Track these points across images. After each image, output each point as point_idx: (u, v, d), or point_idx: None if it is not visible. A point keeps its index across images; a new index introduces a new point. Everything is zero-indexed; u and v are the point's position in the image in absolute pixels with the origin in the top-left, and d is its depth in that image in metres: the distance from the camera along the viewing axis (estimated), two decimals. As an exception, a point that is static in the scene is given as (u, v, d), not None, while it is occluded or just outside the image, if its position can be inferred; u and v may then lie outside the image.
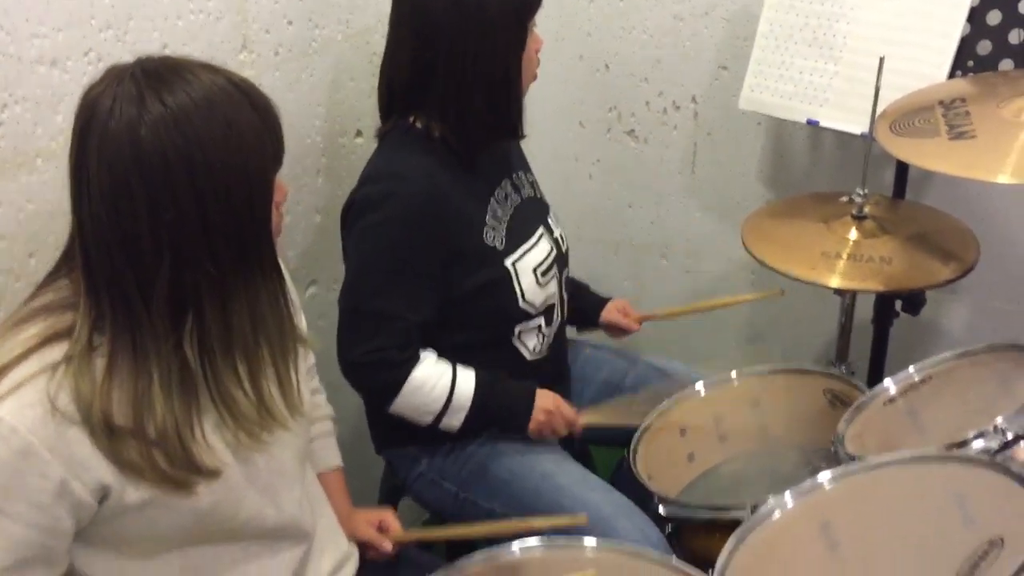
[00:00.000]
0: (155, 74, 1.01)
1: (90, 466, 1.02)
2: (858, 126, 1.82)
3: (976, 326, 2.19)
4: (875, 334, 2.03)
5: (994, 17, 1.75)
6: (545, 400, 1.65)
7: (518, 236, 1.65)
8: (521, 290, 1.63)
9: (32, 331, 1.03)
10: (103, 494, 1.04)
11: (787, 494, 1.23)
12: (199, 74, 1.02)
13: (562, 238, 1.77)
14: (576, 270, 2.16)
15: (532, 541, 1.39)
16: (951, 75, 1.76)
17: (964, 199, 2.04)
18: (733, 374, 1.81)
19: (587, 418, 1.70)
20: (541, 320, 1.68)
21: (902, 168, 1.97)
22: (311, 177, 1.86)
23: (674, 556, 1.39)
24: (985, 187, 2.00)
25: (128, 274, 1.00)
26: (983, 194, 2.03)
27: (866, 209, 1.77)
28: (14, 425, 0.98)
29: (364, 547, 1.46)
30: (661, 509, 1.55)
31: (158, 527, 1.10)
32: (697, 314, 1.96)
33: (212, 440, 1.11)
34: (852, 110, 1.84)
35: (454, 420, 1.59)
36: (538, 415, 1.63)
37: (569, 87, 2.39)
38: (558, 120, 2.43)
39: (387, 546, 1.45)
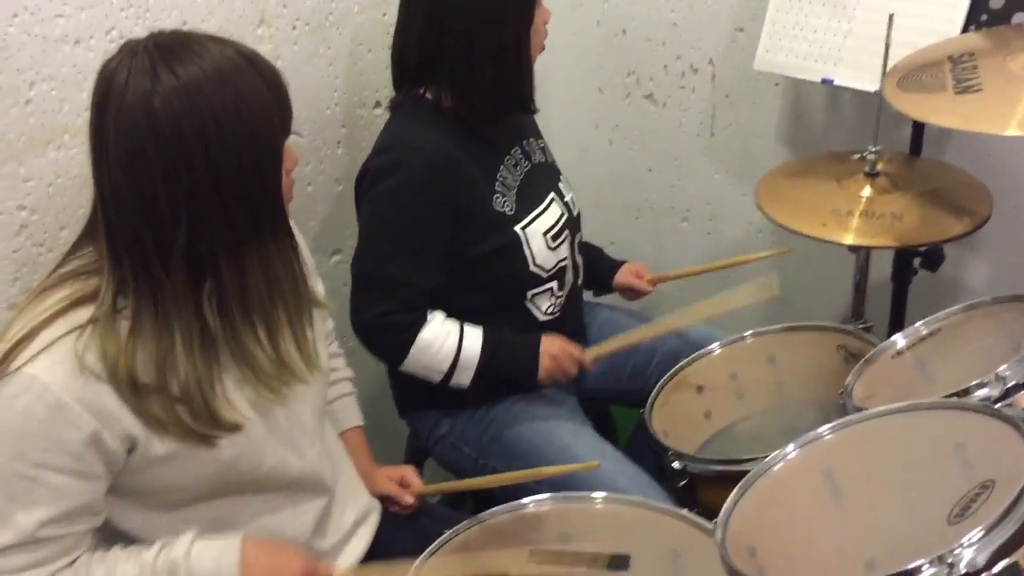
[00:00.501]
0: (167, 48, 1.06)
1: (118, 418, 1.08)
2: (871, 84, 1.82)
3: (996, 281, 2.19)
4: (894, 291, 2.04)
5: (1007, -30, 1.74)
6: (550, 345, 1.68)
7: (528, 202, 1.69)
8: (532, 254, 1.66)
9: (59, 295, 1.10)
10: (131, 445, 1.11)
11: (790, 445, 1.26)
12: (209, 46, 1.07)
13: (573, 202, 1.80)
14: (597, 235, 2.18)
15: (547, 496, 1.45)
16: (964, 30, 1.75)
17: (982, 155, 2.03)
18: (748, 332, 1.84)
19: (593, 351, 1.73)
20: (553, 284, 1.72)
21: (918, 125, 1.97)
22: (331, 148, 1.91)
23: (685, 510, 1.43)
24: (1003, 143, 1.99)
25: (148, 239, 1.06)
26: (1001, 150, 2.02)
27: (879, 166, 1.78)
28: (46, 382, 1.04)
29: (387, 502, 1.52)
30: (675, 463, 1.58)
31: (183, 479, 1.16)
32: (708, 274, 1.96)
33: (233, 396, 1.17)
34: (865, 68, 1.84)
35: (463, 378, 1.64)
36: (545, 361, 1.67)
37: (587, 54, 2.41)
38: (577, 87, 2.46)
39: (408, 499, 1.50)
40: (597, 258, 1.94)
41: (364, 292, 1.61)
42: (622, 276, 1.93)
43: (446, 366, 1.62)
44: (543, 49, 1.66)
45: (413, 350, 1.60)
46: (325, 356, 1.35)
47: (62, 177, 1.39)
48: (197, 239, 1.07)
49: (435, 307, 1.65)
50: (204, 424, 1.13)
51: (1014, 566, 0.94)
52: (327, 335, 1.55)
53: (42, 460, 1.06)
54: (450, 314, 1.66)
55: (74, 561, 1.12)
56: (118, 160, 1.04)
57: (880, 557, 1.03)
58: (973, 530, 0.95)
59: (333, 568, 1.28)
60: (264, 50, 1.66)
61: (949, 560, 0.94)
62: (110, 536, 1.19)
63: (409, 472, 1.54)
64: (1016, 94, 1.42)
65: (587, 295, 1.93)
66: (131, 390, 1.08)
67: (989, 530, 0.95)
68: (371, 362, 1.71)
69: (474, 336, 1.64)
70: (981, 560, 0.94)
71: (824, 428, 1.26)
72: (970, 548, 0.94)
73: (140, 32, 1.43)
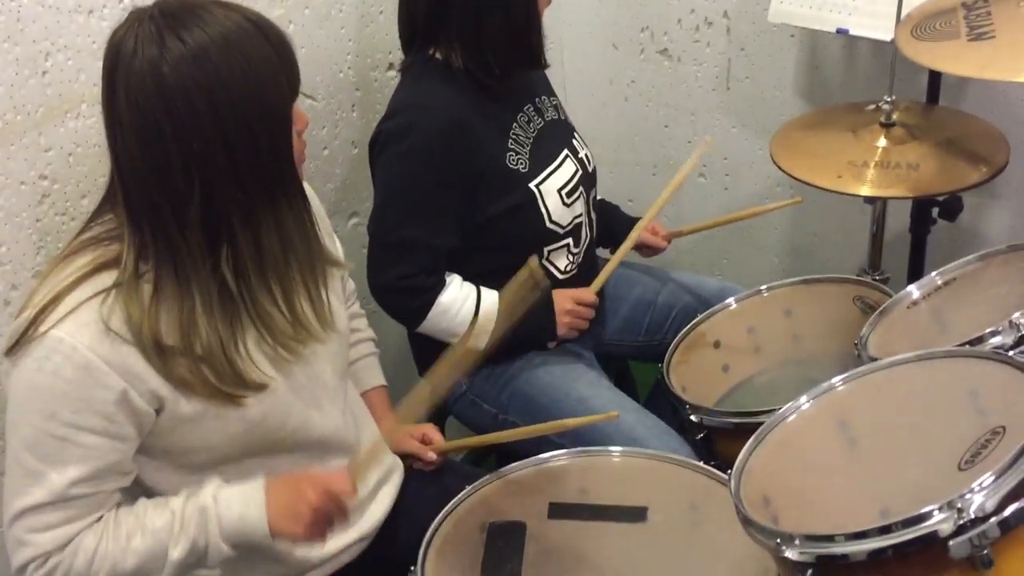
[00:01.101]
0: (173, 14, 1.07)
1: (145, 378, 1.11)
2: (887, 33, 1.80)
3: (1018, 230, 2.17)
4: (912, 242, 2.04)
5: (1025, -88, 1.71)
6: (563, 301, 1.71)
7: (542, 159, 1.69)
8: (547, 211, 1.67)
9: (82, 261, 1.12)
10: (159, 404, 1.14)
11: (803, 396, 1.27)
12: (215, 12, 1.08)
13: (588, 158, 1.80)
14: (614, 192, 2.18)
15: (565, 451, 1.48)
16: (981, -25, 1.73)
17: (1000, 103, 2.02)
18: (764, 286, 1.84)
19: (597, 284, 1.75)
20: (569, 240, 1.73)
21: (935, 74, 1.95)
22: (346, 112, 1.92)
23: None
24: (1021, 90, 1.97)
25: (164, 204, 1.08)
26: (1019, 98, 2.00)
27: (894, 116, 1.77)
28: (74, 344, 1.07)
29: (409, 459, 1.54)
30: (692, 417, 1.60)
31: (212, 438, 1.19)
32: (722, 227, 1.97)
33: (255, 356, 1.19)
34: (881, 17, 1.82)
35: (479, 342, 1.65)
36: (562, 318, 1.70)
37: (601, 10, 2.39)
38: (591, 44, 2.44)
39: (431, 455, 1.53)
40: (612, 215, 1.95)
41: (381, 254, 1.63)
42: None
43: (463, 329, 1.64)
44: (550, 2, 1.65)
45: (431, 313, 1.62)
46: (344, 316, 1.37)
47: (81, 146, 1.41)
48: (211, 203, 1.09)
49: (452, 269, 1.66)
50: (230, 384, 1.16)
51: (1023, 510, 0.95)
52: (348, 296, 1.57)
53: (73, 420, 1.09)
54: (469, 275, 1.68)
55: (101, 517, 1.16)
56: (131, 127, 1.06)
57: (893, 504, 1.05)
58: (983, 475, 0.96)
59: (344, 472, 1.26)
60: (276, 15, 1.68)
61: (959, 505, 0.95)
62: (141, 496, 1.22)
63: (430, 429, 1.57)
64: (1031, 40, 1.41)
65: (603, 252, 1.93)
66: (156, 352, 1.10)
67: (999, 475, 0.96)
68: (392, 323, 1.73)
69: (491, 299, 1.66)
70: (991, 505, 0.95)
71: (837, 379, 1.27)
72: (980, 493, 0.95)
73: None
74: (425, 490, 1.50)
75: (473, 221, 1.64)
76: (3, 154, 1.31)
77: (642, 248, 1.95)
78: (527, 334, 1.68)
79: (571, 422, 1.47)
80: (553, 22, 2.32)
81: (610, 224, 1.91)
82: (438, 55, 1.63)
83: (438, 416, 1.89)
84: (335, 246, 1.43)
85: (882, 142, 1.75)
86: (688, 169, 1.82)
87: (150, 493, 1.22)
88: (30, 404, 1.09)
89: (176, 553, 1.16)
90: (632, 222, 1.94)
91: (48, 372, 1.08)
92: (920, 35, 1.51)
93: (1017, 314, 1.27)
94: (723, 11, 2.27)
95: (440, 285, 1.63)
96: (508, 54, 1.61)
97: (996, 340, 1.27)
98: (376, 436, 1.43)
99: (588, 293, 1.74)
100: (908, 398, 1.23)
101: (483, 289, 1.67)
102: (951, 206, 1.93)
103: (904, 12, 1.63)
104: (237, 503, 1.18)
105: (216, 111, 1.06)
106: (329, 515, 1.22)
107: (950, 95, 2.01)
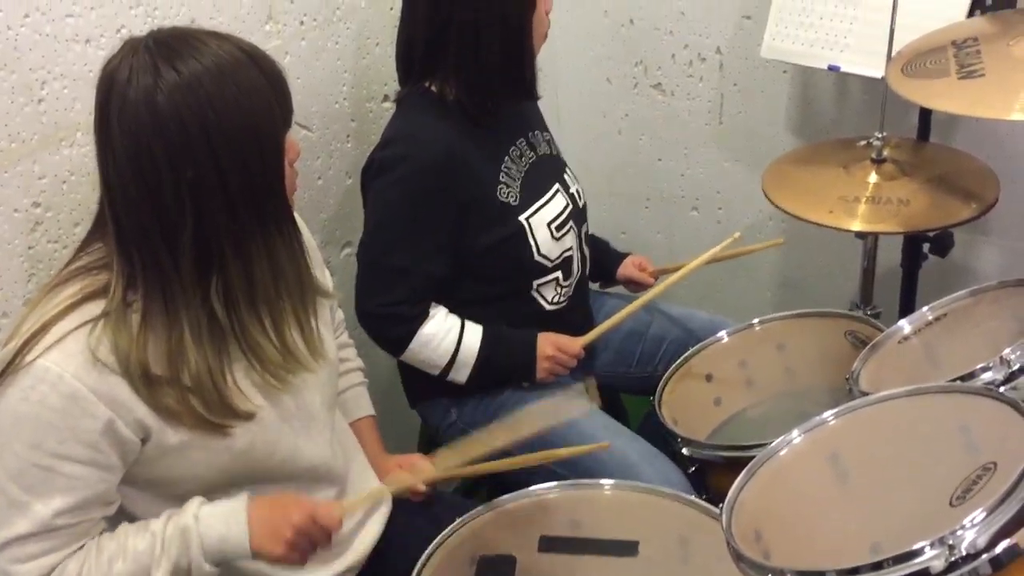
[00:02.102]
0: (167, 44, 1.08)
1: (132, 407, 1.11)
2: (878, 70, 1.81)
3: (1008, 267, 2.18)
4: (904, 277, 2.04)
5: (1013, -46, 1.74)
6: (545, 346, 1.71)
7: (533, 192, 1.70)
8: (536, 244, 1.68)
9: (71, 290, 1.12)
10: (145, 434, 1.13)
11: (795, 430, 1.27)
12: (208, 42, 1.09)
13: (579, 193, 1.82)
14: (607, 225, 2.20)
15: (556, 483, 1.47)
16: (970, 14, 1.75)
17: (990, 141, 2.03)
18: (756, 320, 1.85)
19: (586, 339, 1.75)
20: (559, 273, 1.73)
21: (926, 111, 1.96)
22: (341, 142, 1.93)
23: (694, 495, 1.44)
24: (1010, 128, 1.99)
25: (155, 233, 1.08)
26: (1009, 135, 2.02)
27: (885, 152, 1.78)
28: (60, 372, 1.07)
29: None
30: (684, 450, 1.60)
31: (198, 468, 1.19)
32: (707, 266, 1.96)
33: (243, 385, 1.19)
34: (872, 54, 1.84)
35: (459, 375, 1.68)
36: (542, 363, 1.70)
37: (595, 44, 2.42)
38: (585, 77, 2.46)
39: (420, 486, 1.52)
40: (602, 250, 1.97)
41: (370, 280, 1.65)
42: (625, 269, 1.97)
43: (444, 361, 1.66)
44: (546, 38, 1.68)
45: (413, 343, 1.64)
46: (333, 346, 1.37)
47: (75, 174, 1.41)
48: (202, 231, 1.09)
49: (441, 297, 1.67)
50: (218, 414, 1.15)
51: (1014, 547, 0.95)
52: (337, 325, 1.57)
53: (58, 450, 1.08)
54: (456, 304, 1.68)
55: (84, 545, 1.15)
56: (124, 156, 1.06)
57: (884, 539, 1.04)
58: (974, 511, 0.96)
59: (335, 505, 1.28)
60: (272, 46, 1.70)
61: (950, 542, 0.95)
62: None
63: (419, 459, 1.56)
64: (1019, 79, 1.42)
65: (592, 286, 1.94)
66: (144, 382, 1.10)
67: (990, 512, 0.96)
68: (383, 353, 1.73)
69: (473, 333, 1.67)
70: (982, 542, 0.95)
71: (829, 413, 1.28)
72: (972, 530, 0.95)
73: (150, 30, 1.46)
74: (415, 521, 1.49)
75: (461, 251, 1.65)
76: (-4, 181, 1.31)
77: (630, 283, 1.97)
78: (504, 371, 1.69)
79: (562, 452, 1.46)
80: (548, 55, 2.35)
81: (599, 258, 1.93)
82: (433, 88, 1.65)
83: (428, 446, 1.88)
84: (325, 277, 1.43)
85: (873, 178, 1.76)
86: (708, 258, 1.82)
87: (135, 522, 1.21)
88: (15, 434, 1.08)
89: (159, 575, 1.15)
90: (621, 257, 1.95)
91: (34, 401, 1.07)
92: (911, 72, 1.53)
93: (1008, 350, 1.27)
94: (716, 47, 2.29)
95: (424, 316, 1.64)
96: (502, 86, 1.63)
97: (987, 376, 1.27)
98: (376, 483, 1.44)
99: (574, 343, 1.73)
100: (900, 433, 1.23)
101: (468, 323, 1.68)
102: (942, 242, 1.94)
103: (895, 50, 1.64)
104: (219, 523, 1.17)
105: (209, 139, 1.06)
106: (312, 539, 1.22)
107: (940, 132, 2.03)
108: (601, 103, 2.49)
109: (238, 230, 1.10)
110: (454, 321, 1.67)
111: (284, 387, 1.23)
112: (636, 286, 1.97)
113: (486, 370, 1.68)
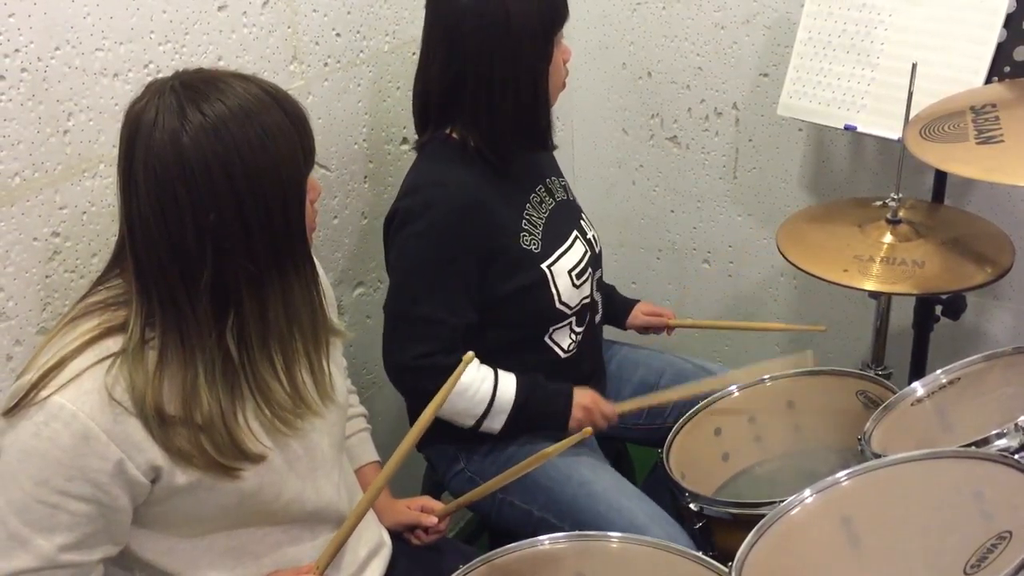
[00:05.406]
0: (193, 86, 1.08)
1: (143, 448, 1.10)
2: (894, 132, 1.83)
3: (1021, 332, 2.18)
4: (915, 338, 2.04)
5: (1031, 23, 1.75)
6: (583, 397, 1.70)
7: (554, 239, 1.71)
8: (558, 292, 1.68)
9: (88, 325, 1.12)
10: (155, 475, 1.12)
11: (807, 490, 1.26)
12: (233, 84, 1.09)
13: (595, 239, 1.82)
14: (619, 275, 2.20)
15: (563, 535, 1.45)
16: (988, 80, 1.77)
17: (1005, 205, 2.04)
18: (767, 376, 1.84)
19: (623, 407, 1.75)
20: (573, 319, 1.73)
21: (941, 173, 1.97)
22: (358, 182, 1.94)
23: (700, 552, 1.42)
24: (1025, 192, 2.00)
25: (174, 273, 1.08)
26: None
27: (901, 213, 1.79)
28: (74, 411, 1.06)
29: (407, 534, 1.52)
30: (691, 505, 1.58)
31: (205, 508, 1.17)
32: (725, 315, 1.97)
33: (252, 426, 1.18)
34: (889, 116, 1.85)
35: (495, 423, 1.65)
36: (576, 412, 1.69)
37: (612, 95, 2.44)
38: (601, 127, 2.48)
39: (432, 519, 1.50)
40: (610, 296, 1.97)
41: (400, 332, 1.63)
42: (634, 319, 1.98)
43: (480, 410, 1.63)
44: (564, 87, 1.69)
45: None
46: (343, 388, 1.36)
47: (96, 205, 1.42)
48: (222, 272, 1.09)
49: (467, 346, 1.65)
50: (228, 455, 1.15)
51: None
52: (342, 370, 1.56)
53: (64, 488, 1.07)
54: (478, 353, 1.67)
55: None
56: (147, 197, 1.07)
57: (896, 606, 1.03)
58: (990, 581, 0.95)
59: (308, 566, 1.26)
60: (296, 86, 1.71)
61: (965, 611, 0.94)
62: (131, 563, 1.20)
63: (428, 500, 1.55)
64: (1038, 146, 1.43)
65: (608, 331, 1.94)
66: (158, 422, 1.09)
67: (1007, 582, 0.95)
68: (390, 395, 1.72)
69: (508, 382, 1.65)
70: (997, 612, 0.94)
71: (842, 474, 1.26)
72: (987, 599, 0.94)
73: (177, 67, 1.47)
74: (415, 567, 1.48)
75: (483, 299, 1.64)
76: (18, 210, 1.32)
77: (640, 330, 1.98)
78: (538, 419, 1.68)
79: (550, 450, 1.42)
80: (565, 106, 2.37)
81: (607, 304, 1.92)
82: (454, 135, 1.65)
83: (434, 490, 1.87)
84: (335, 317, 1.43)
85: (888, 238, 1.76)
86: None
87: (139, 560, 1.19)
88: (23, 468, 1.07)
89: None
90: (630, 304, 1.95)
91: (45, 438, 1.06)
92: (929, 136, 1.54)
93: (1023, 417, 1.27)
94: (733, 102, 2.31)
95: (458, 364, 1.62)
96: (517, 135, 1.63)
97: (1002, 443, 1.27)
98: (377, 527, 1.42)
99: (611, 407, 1.73)
100: (913, 497, 1.22)
101: (500, 371, 1.66)
102: (955, 305, 1.94)
103: (913, 113, 1.66)
104: None
105: (233, 181, 1.06)
106: None
107: (955, 195, 2.04)
108: (616, 153, 2.51)
109: (256, 271, 1.10)
110: (487, 370, 1.65)
111: (292, 432, 1.22)
112: (646, 331, 1.99)
113: (520, 418, 1.66)
